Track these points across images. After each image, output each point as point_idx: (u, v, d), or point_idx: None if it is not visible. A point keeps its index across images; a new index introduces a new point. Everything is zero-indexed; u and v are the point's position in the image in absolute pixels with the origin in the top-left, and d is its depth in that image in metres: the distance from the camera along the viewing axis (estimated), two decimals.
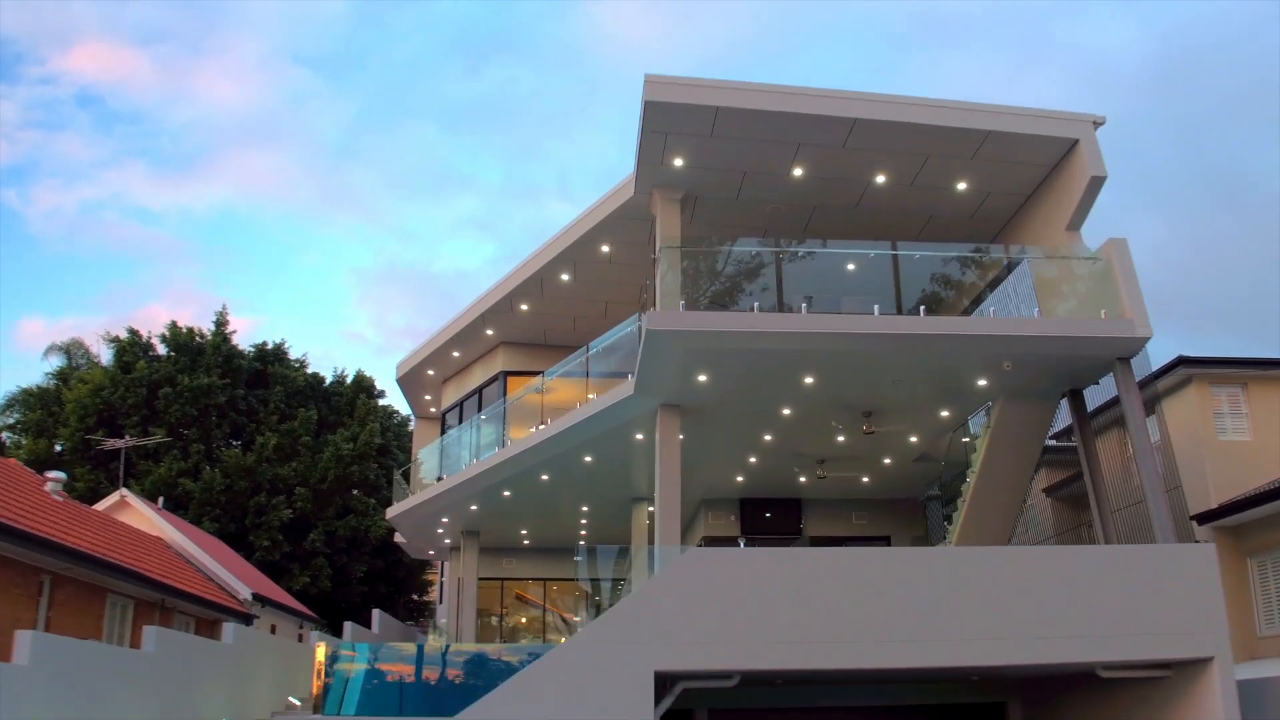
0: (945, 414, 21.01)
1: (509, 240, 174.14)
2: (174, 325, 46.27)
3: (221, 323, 46.83)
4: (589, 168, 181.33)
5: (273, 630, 31.65)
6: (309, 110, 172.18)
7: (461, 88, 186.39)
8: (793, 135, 18.77)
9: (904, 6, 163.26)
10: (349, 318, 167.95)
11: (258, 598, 29.54)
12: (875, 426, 20.71)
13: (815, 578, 15.96)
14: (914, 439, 22.42)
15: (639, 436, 21.45)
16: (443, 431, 31.51)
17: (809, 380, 18.45)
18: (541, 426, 23.30)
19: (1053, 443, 24.80)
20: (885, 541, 27.39)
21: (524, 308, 26.34)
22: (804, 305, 17.33)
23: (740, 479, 25.15)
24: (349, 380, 51.29)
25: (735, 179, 19.97)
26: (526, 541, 31.83)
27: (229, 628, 24.09)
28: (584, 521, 29.32)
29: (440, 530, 30.22)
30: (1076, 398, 19.79)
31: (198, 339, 46.09)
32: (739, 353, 17.30)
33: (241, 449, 45.03)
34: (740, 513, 27.01)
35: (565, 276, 24.50)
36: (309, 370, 50.68)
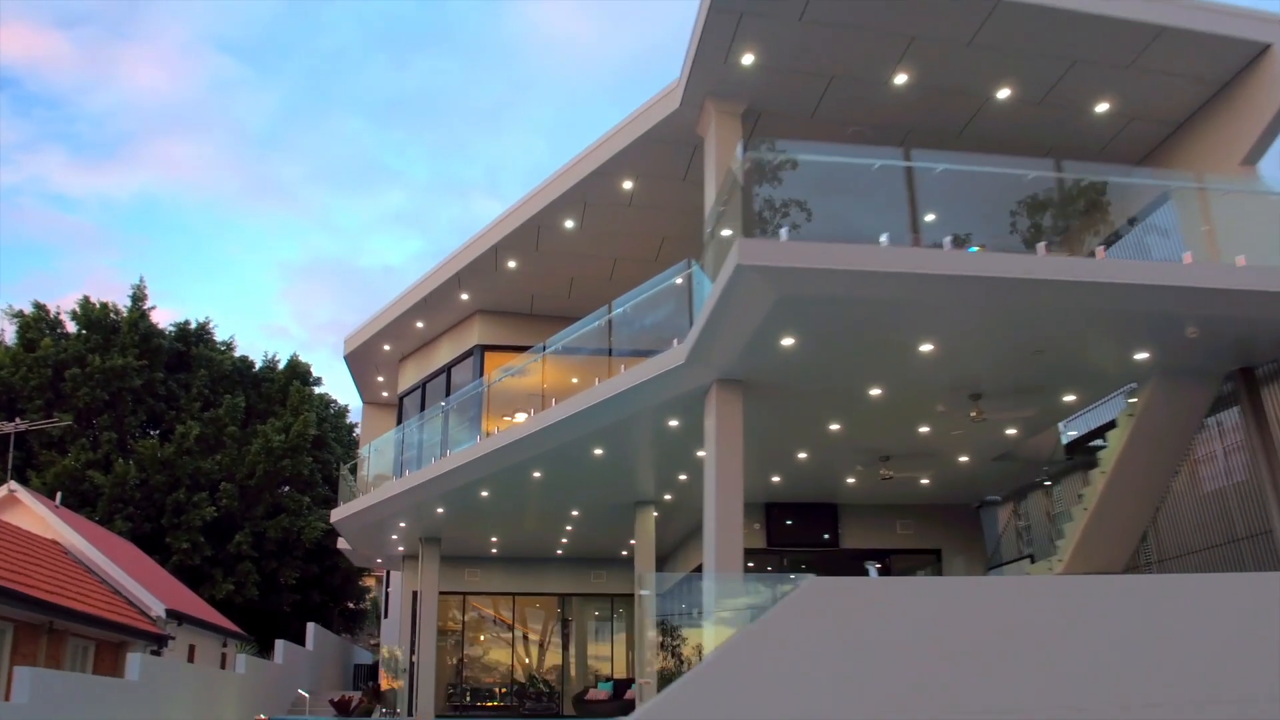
0: (1070, 398, 16.11)
1: (436, 236, 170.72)
2: (85, 300, 40.26)
3: (138, 298, 40.83)
4: (518, 166, 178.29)
5: (191, 653, 26.03)
6: (233, 99, 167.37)
7: (389, 81, 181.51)
8: (909, 24, 13.82)
9: None
10: (272, 311, 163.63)
11: (173, 614, 23.92)
12: (983, 412, 15.77)
13: (982, 613, 10.93)
14: (1011, 430, 17.52)
15: (673, 423, 16.39)
16: (400, 419, 26.15)
17: (926, 348, 13.42)
18: (522, 417, 18.32)
19: None
20: (935, 556, 22.59)
21: (512, 265, 21.16)
22: (947, 242, 12.25)
23: (776, 479, 20.11)
24: (281, 365, 45.40)
25: (817, 87, 14.97)
26: (495, 550, 26.56)
27: (134, 660, 18.61)
28: (569, 529, 24.17)
29: (395, 537, 24.87)
30: (1249, 378, 14.99)
31: (112, 315, 40.10)
32: (851, 304, 12.23)
33: (159, 439, 39.22)
34: (766, 520, 22.04)
35: (570, 223, 19.36)
36: (236, 354, 44.77)
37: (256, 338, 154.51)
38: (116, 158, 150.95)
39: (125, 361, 38.11)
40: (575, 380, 18.14)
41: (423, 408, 24.72)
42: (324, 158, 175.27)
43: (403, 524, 23.42)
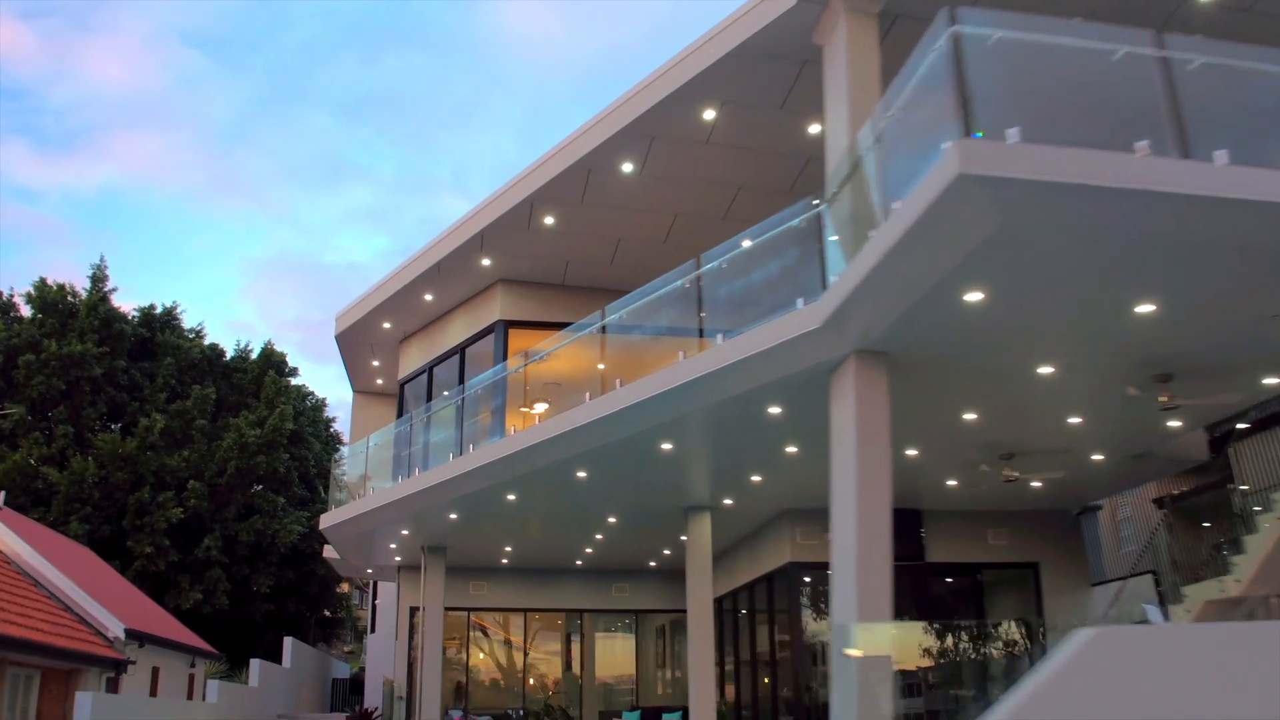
0: (1271, 380, 12.63)
1: (402, 234, 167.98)
2: (42, 282, 36.13)
3: (98, 279, 36.72)
4: (485, 164, 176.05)
5: (155, 679, 22.16)
6: (199, 93, 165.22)
7: (357, 77, 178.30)
8: None
9: None
10: (236, 307, 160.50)
11: (134, 635, 20.04)
12: (1174, 395, 12.25)
13: None
14: (1176, 422, 14.04)
15: (773, 411, 12.83)
16: (401, 409, 22.39)
17: (1145, 309, 9.89)
18: (541, 407, 14.74)
19: None
20: (1032, 569, 19.15)
21: (549, 222, 17.54)
22: (1221, 158, 8.74)
23: None
24: (255, 354, 41.36)
25: None
26: (505, 561, 22.89)
27: (84, 700, 14.88)
28: (598, 538, 20.54)
29: (393, 546, 21.15)
30: None
31: (69, 298, 36.00)
32: (1085, 243, 8.71)
33: (121, 433, 35.16)
34: None
35: (628, 166, 15.81)
36: (206, 341, 40.71)
37: (220, 334, 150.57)
38: (80, 151, 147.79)
39: (84, 348, 34.06)
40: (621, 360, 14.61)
41: (429, 396, 20.98)
42: (290, 154, 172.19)
43: (405, 531, 19.74)
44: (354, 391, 25.74)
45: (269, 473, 36.23)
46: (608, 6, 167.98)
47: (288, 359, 41.57)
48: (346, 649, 50.16)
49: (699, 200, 16.67)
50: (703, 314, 13.09)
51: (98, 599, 20.28)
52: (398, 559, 22.61)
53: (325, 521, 20.40)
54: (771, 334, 11.17)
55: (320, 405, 43.79)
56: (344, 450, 21.96)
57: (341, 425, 44.12)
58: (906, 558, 18.59)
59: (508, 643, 25.06)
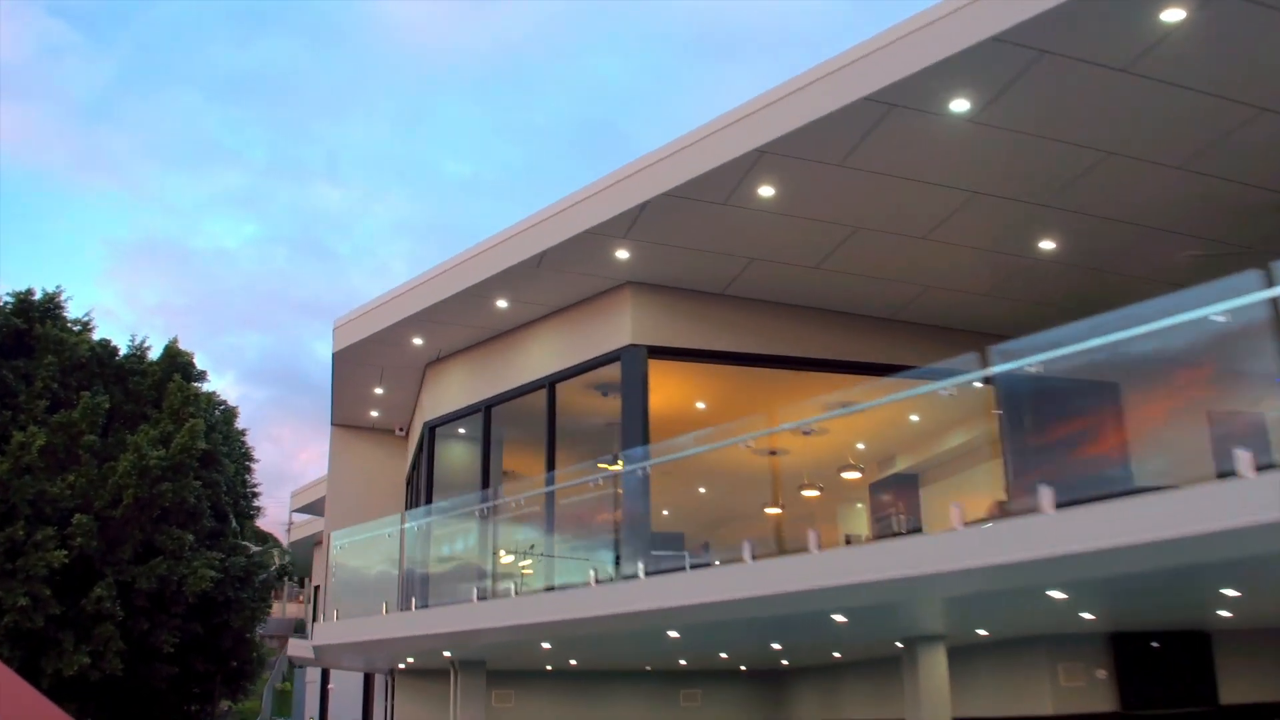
0: None
1: (272, 221, 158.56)
2: None
3: None
4: (359, 152, 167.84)
5: None
6: (62, 65, 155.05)
7: (230, 57, 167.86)
8: None
9: (687, 16, 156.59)
10: (97, 292, 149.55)
11: None
12: None
13: None
14: None
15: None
16: (424, 464, 15.42)
17: None
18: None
19: None
20: None
21: (766, 193, 10.89)
22: None
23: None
24: (154, 354, 33.29)
25: None
26: (549, 667, 16.24)
27: None
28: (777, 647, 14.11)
29: (410, 660, 14.34)
30: None
31: None
32: None
33: None
34: (1116, 660, 12.44)
35: (959, 104, 9.35)
36: (95, 336, 32.53)
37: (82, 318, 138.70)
38: None
39: None
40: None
41: (485, 452, 14.12)
42: (158, 133, 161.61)
43: (447, 653, 13.01)
44: (333, 425, 18.63)
45: (176, 504, 28.54)
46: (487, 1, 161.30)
47: (195, 360, 33.64)
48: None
49: (1014, 183, 10.43)
50: None
51: None
52: (410, 662, 15.77)
53: (320, 638, 13.45)
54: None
55: (231, 414, 35.82)
56: (338, 540, 14.74)
57: (258, 439, 36.52)
58: (1193, 702, 12.74)
59: None
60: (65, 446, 27.45)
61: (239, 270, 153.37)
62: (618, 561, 11.15)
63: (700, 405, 16.07)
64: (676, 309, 12.88)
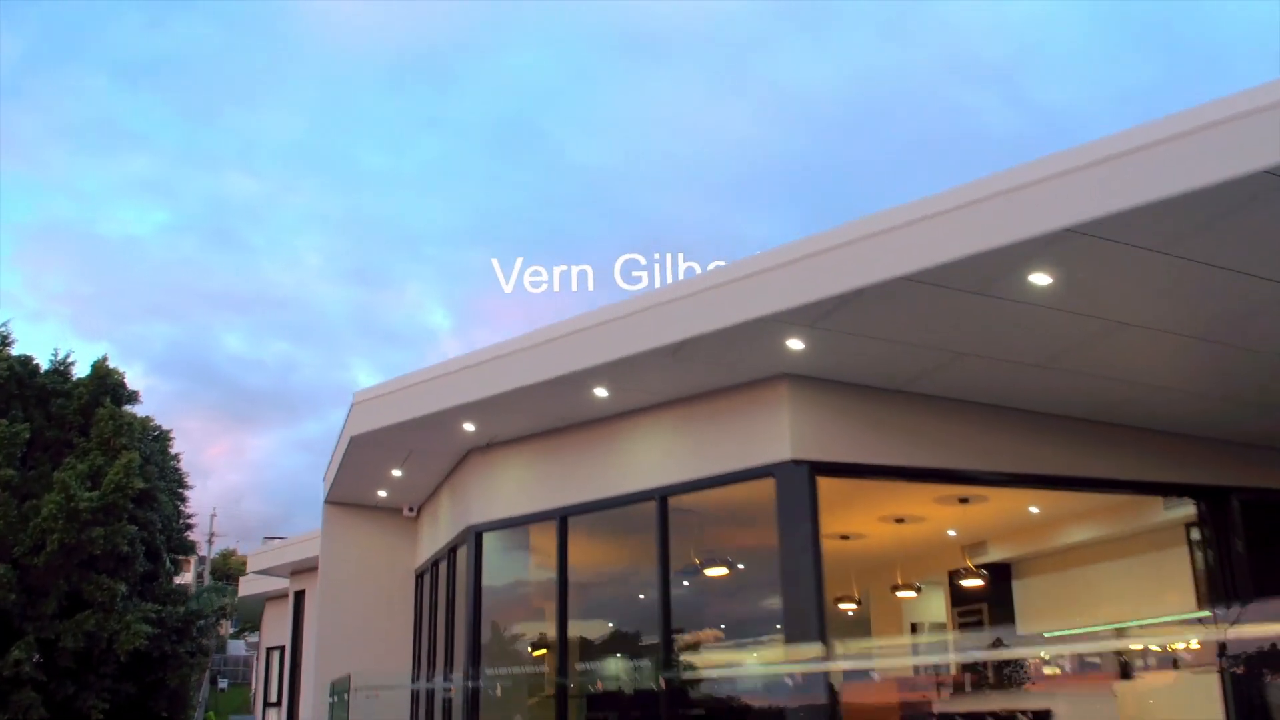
0: None
1: (183, 209, 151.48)
2: None
3: None
4: (273, 141, 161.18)
5: None
6: None
7: (140, 39, 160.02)
8: None
9: (608, 15, 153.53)
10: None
11: None
12: None
13: None
14: None
15: None
16: (474, 582, 11.81)
17: None
18: None
19: None
20: None
21: (1040, 280, 7.52)
22: None
23: None
24: (80, 372, 28.83)
25: None
26: None
27: None
28: None
29: None
30: None
31: None
32: None
33: None
34: None
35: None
36: (12, 350, 28.02)
37: None
38: None
39: None
40: None
41: (563, 572, 10.61)
42: (65, 115, 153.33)
43: None
44: (326, 502, 14.86)
45: (108, 551, 24.47)
46: None
47: (126, 380, 29.26)
48: None
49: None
50: None
51: None
52: None
53: None
54: None
55: (165, 438, 31.45)
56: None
57: (193, 465, 32.12)
58: None
59: None
60: None
61: (148, 258, 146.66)
62: None
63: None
64: (847, 410, 9.44)
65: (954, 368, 9.18)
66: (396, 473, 13.29)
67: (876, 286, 7.54)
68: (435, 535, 13.87)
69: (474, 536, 11.81)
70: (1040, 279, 7.49)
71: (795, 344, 8.67)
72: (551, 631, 11.18)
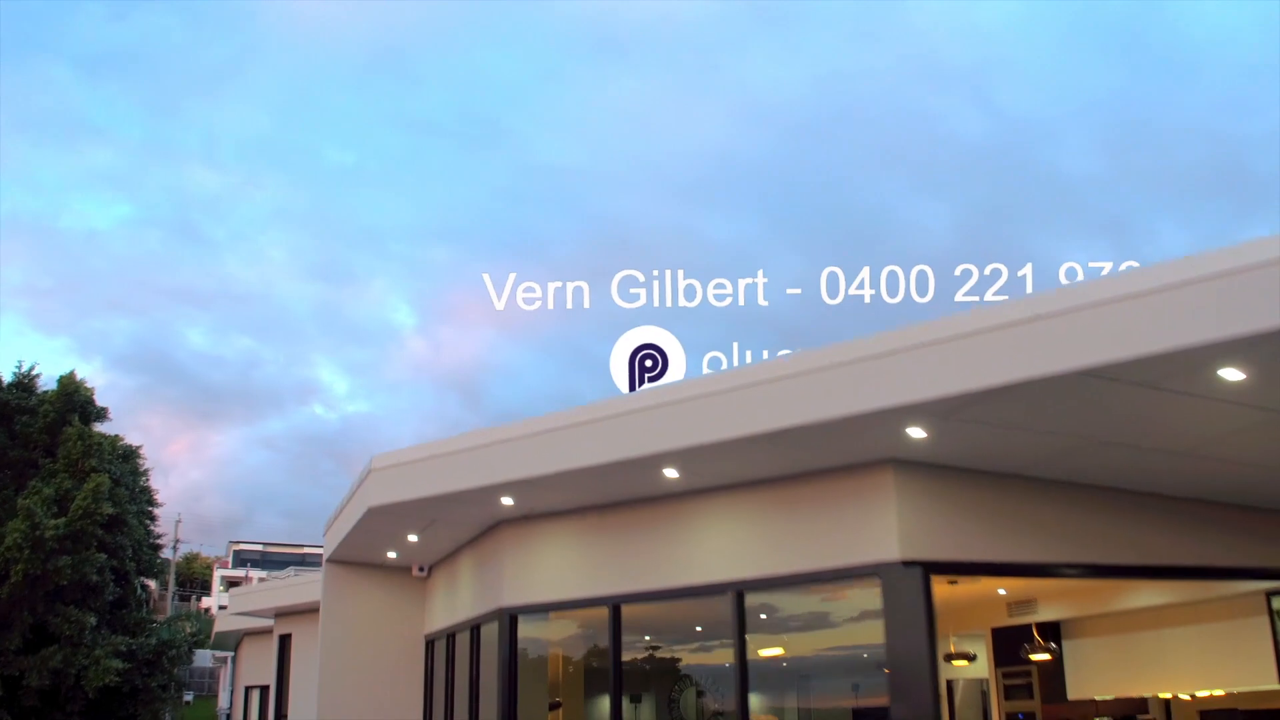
0: None
1: (145, 202, 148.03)
2: None
3: None
4: (238, 135, 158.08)
5: None
6: None
7: (102, 30, 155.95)
8: None
9: (574, 14, 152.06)
10: None
11: None
12: None
13: None
14: None
15: None
16: (508, 672, 10.43)
17: None
18: None
19: None
20: None
21: (1232, 376, 6.27)
22: None
23: None
24: (45, 386, 27.08)
25: None
26: None
27: None
28: None
29: None
30: None
31: None
32: None
33: None
34: None
35: None
36: None
37: None
38: None
39: None
40: None
41: (618, 665, 9.21)
42: (23, 106, 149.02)
43: None
44: (326, 561, 13.35)
45: (77, 581, 22.85)
46: None
47: (95, 395, 27.50)
48: None
49: None
50: None
51: None
52: None
53: None
54: None
55: (134, 454, 29.68)
56: None
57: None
58: None
59: None
60: None
61: (109, 252, 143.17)
62: None
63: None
64: (960, 500, 8.12)
65: (1087, 453, 7.90)
66: (413, 538, 11.87)
67: (1045, 380, 6.23)
68: (453, 604, 12.43)
69: (509, 619, 10.41)
70: (1232, 374, 6.23)
71: (917, 433, 7.35)
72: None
